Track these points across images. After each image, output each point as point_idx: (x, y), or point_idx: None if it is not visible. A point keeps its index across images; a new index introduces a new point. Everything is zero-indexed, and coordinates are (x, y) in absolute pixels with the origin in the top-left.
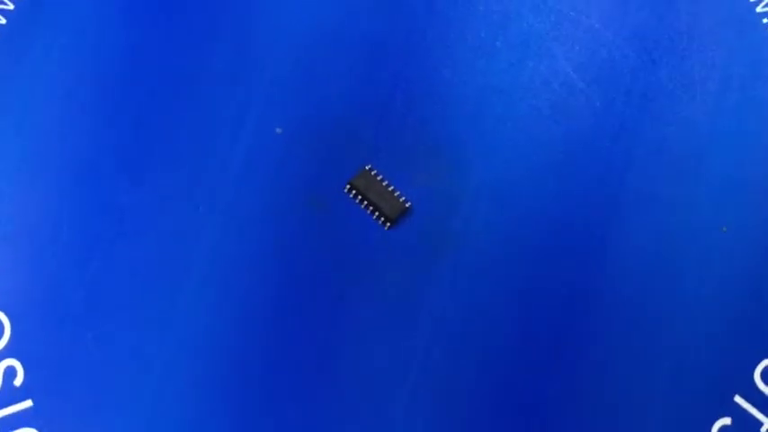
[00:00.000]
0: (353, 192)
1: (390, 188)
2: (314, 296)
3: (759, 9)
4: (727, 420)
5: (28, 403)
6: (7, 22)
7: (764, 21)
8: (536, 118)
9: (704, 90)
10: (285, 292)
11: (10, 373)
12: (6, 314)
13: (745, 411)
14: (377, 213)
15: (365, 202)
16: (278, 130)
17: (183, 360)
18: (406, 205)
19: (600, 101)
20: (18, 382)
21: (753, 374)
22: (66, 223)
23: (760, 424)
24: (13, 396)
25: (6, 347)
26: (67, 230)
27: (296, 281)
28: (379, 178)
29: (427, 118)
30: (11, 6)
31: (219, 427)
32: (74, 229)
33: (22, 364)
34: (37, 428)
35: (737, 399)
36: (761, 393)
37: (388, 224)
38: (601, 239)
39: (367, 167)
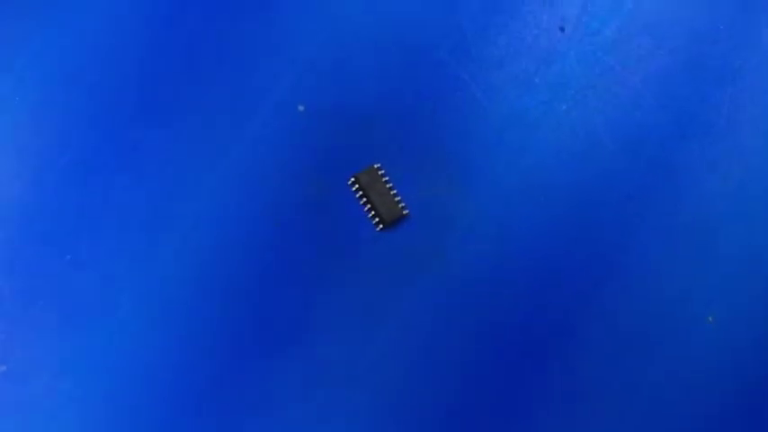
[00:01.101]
0: (356, 186)
1: (393, 191)
2: (293, 272)
3: None
4: None
5: None
6: None
7: None
8: (554, 160)
9: (728, 176)
10: (266, 261)
11: None
12: None
13: None
14: (373, 213)
15: (365, 199)
16: (300, 108)
17: (151, 302)
18: (404, 212)
19: (622, 161)
20: None
21: None
22: (73, 146)
23: None
24: None
25: None
26: (72, 153)
27: (279, 254)
28: (384, 179)
29: (447, 133)
30: None
31: (169, 373)
32: (80, 153)
33: None
34: None
35: None
36: None
37: (382, 226)
38: (587, 296)
39: (375, 166)
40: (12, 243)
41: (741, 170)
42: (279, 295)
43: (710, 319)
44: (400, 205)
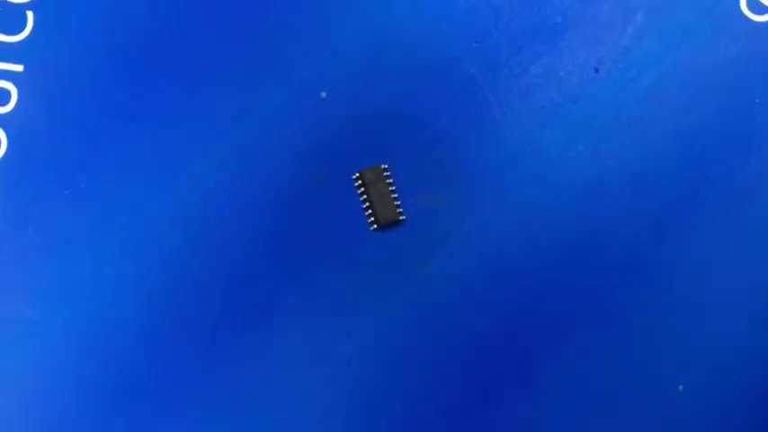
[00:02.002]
0: (359, 182)
1: (394, 195)
2: (277, 251)
3: None
4: None
5: None
6: None
7: None
8: (561, 197)
9: (730, 251)
10: (254, 234)
11: None
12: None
13: None
14: (370, 212)
15: (365, 197)
16: (323, 95)
17: (134, 254)
18: (400, 218)
19: (627, 212)
20: None
21: None
22: (94, 86)
23: None
24: None
25: None
26: (91, 93)
27: (268, 231)
28: (388, 181)
29: (461, 148)
30: None
31: (138, 326)
32: (97, 94)
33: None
34: None
35: None
36: None
37: (376, 226)
38: (562, 342)
39: (383, 166)
40: (15, 166)
41: (745, 249)
42: (257, 268)
43: (681, 388)
44: (398, 210)
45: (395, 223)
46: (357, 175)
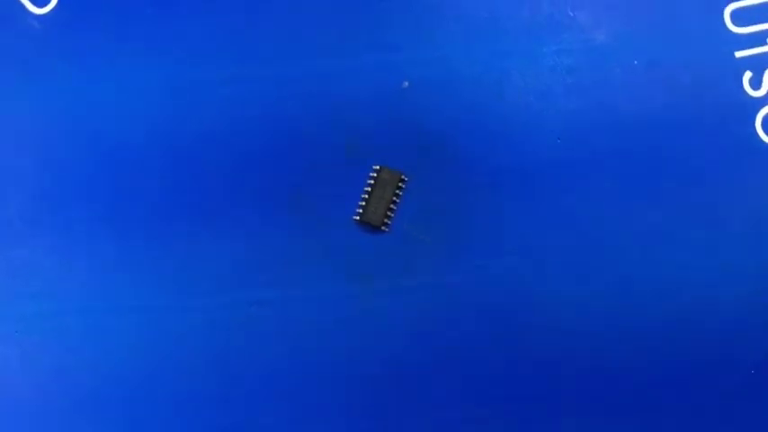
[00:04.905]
0: (375, 174)
1: (393, 206)
2: (262, 186)
3: None
4: None
5: None
6: None
7: None
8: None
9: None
10: (256, 165)
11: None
12: None
13: None
14: (363, 204)
15: (369, 189)
16: (405, 84)
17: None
18: (383, 228)
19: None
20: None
21: None
22: None
23: None
24: None
25: None
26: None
27: (269, 167)
28: (397, 191)
29: (480, 212)
30: None
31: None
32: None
33: None
34: None
35: None
36: None
37: (358, 218)
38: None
39: (403, 176)
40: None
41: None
42: (240, 185)
43: None
44: (386, 220)
45: (376, 228)
46: (377, 167)
